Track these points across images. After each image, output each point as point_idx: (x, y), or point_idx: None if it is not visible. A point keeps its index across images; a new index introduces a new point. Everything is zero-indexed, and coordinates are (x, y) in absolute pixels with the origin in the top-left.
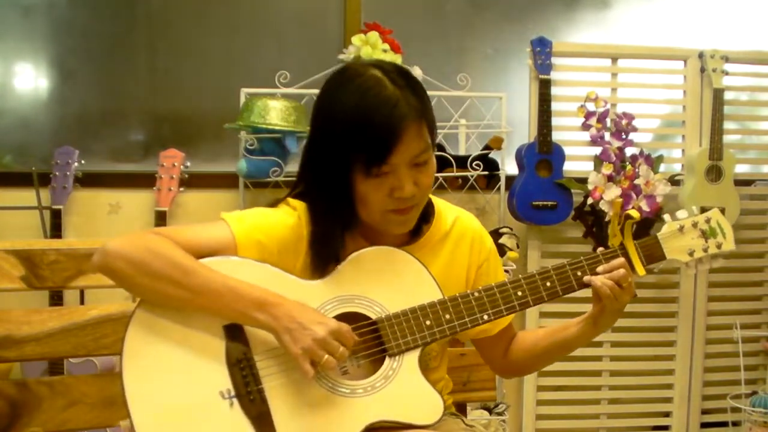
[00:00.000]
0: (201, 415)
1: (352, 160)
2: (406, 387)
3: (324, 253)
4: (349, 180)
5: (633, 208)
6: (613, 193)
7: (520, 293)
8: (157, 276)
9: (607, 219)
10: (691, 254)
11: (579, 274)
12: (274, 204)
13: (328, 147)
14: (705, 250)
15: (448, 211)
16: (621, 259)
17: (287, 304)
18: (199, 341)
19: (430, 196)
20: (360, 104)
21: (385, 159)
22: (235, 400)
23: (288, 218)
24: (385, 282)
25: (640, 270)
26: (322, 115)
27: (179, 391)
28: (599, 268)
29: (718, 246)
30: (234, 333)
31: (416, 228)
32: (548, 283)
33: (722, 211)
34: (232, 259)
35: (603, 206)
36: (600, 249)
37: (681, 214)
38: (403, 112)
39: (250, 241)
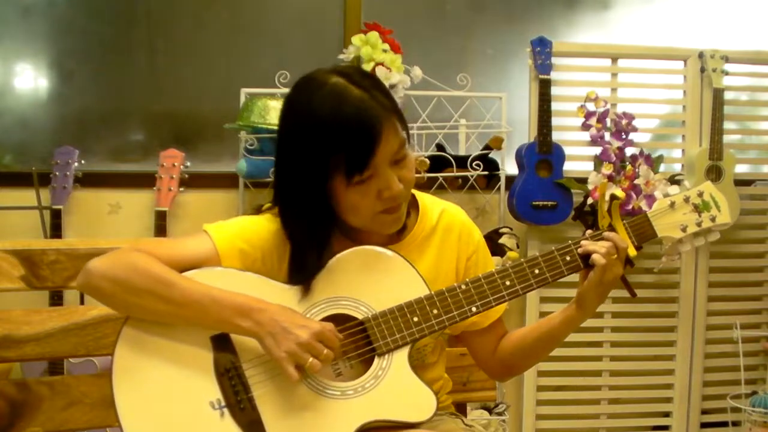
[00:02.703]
0: (192, 427)
1: (332, 171)
2: (396, 385)
3: (301, 273)
4: (329, 194)
5: (632, 206)
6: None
7: (508, 282)
8: (139, 292)
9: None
10: (684, 230)
11: (568, 258)
12: (257, 210)
13: (303, 161)
14: (698, 225)
15: (434, 205)
16: (612, 233)
17: (270, 309)
18: (187, 354)
19: (414, 192)
20: (333, 112)
21: (368, 162)
22: (225, 410)
23: (270, 224)
24: (371, 282)
25: (632, 250)
26: (292, 130)
27: (170, 405)
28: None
29: (712, 219)
30: (221, 343)
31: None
32: (536, 270)
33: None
34: (215, 270)
35: None
36: (588, 231)
37: (672, 190)
38: (377, 112)
39: (232, 251)
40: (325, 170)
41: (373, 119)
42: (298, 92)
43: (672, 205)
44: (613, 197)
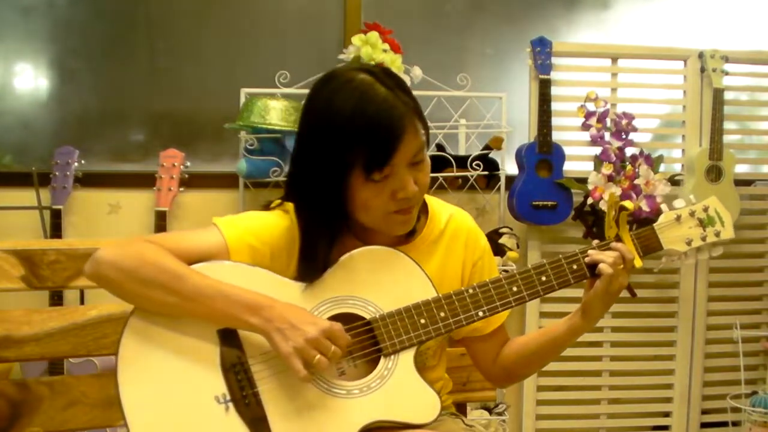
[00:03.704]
0: (197, 420)
1: (351, 166)
2: (401, 386)
3: (310, 265)
4: (344, 188)
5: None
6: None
7: (515, 288)
8: (147, 283)
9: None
10: (689, 243)
11: (575, 267)
12: (267, 207)
13: (322, 154)
14: (703, 239)
15: (442, 209)
16: (620, 243)
17: (279, 306)
18: (193, 347)
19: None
20: (357, 108)
21: (388, 160)
22: (230, 405)
23: (281, 220)
24: (379, 282)
25: (638, 261)
26: (315, 122)
27: (175, 397)
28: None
29: (717, 234)
30: (228, 337)
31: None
32: (543, 278)
33: None
34: (224, 264)
35: (603, 206)
36: (595, 241)
37: (678, 203)
38: (401, 111)
39: (242, 245)
40: (345, 162)
41: (398, 117)
42: (325, 84)
43: (678, 218)
44: (621, 208)
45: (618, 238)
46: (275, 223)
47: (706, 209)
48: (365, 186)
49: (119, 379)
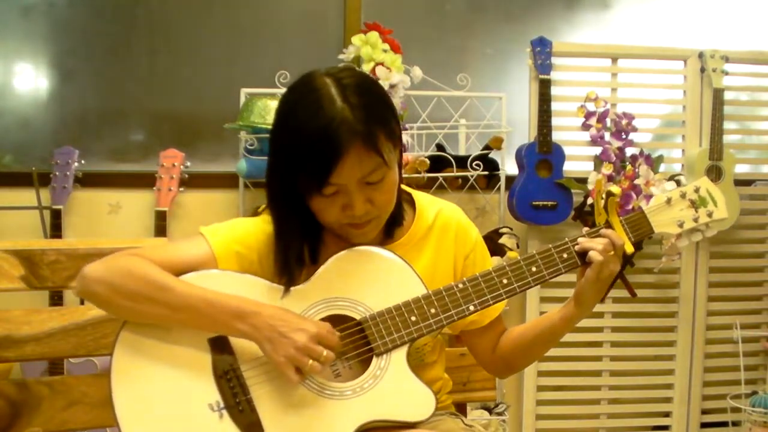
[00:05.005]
0: (192, 429)
1: (298, 178)
2: (395, 385)
3: (284, 268)
4: (300, 195)
5: (632, 207)
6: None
7: (505, 281)
8: (134, 296)
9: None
10: (680, 225)
11: (565, 256)
12: (255, 212)
13: (278, 162)
14: (695, 220)
15: (430, 205)
16: (609, 230)
17: (265, 312)
18: (185, 356)
19: (411, 191)
20: (305, 122)
21: (325, 181)
22: (224, 412)
23: (266, 225)
24: (368, 282)
25: (628, 247)
26: (275, 127)
27: (169, 407)
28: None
29: (709, 214)
30: (219, 345)
31: (388, 230)
32: (534, 269)
33: None
34: (212, 273)
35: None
36: (585, 229)
37: (669, 186)
38: (345, 133)
39: (229, 253)
40: (293, 175)
41: (340, 138)
42: (294, 88)
43: (668, 201)
44: (609, 194)
45: (608, 225)
46: (261, 228)
47: (697, 190)
48: (315, 198)
49: (113, 394)
